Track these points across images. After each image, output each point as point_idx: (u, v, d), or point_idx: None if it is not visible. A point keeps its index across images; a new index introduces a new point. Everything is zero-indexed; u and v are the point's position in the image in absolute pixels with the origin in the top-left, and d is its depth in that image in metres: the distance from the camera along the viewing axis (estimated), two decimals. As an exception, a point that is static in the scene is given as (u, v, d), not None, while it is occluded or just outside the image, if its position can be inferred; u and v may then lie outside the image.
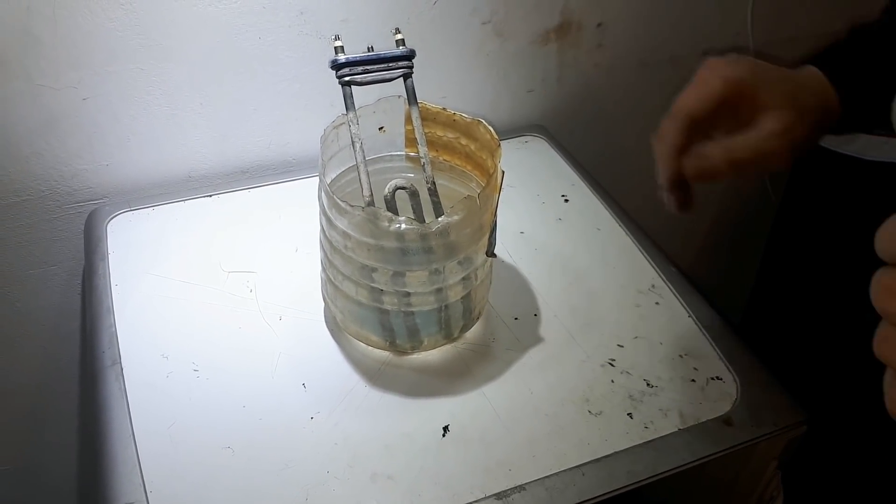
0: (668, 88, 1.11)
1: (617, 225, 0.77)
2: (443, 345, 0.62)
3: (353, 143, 0.59)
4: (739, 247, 1.32)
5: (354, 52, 0.60)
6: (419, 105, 0.62)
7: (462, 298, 0.59)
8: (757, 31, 1.00)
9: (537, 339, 0.64)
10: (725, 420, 0.58)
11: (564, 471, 0.53)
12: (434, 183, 0.62)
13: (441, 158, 0.66)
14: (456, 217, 0.53)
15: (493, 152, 0.59)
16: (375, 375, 0.60)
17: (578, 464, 0.54)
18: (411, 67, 0.61)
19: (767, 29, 1.01)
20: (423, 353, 0.62)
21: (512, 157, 0.86)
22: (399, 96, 0.63)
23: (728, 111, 0.51)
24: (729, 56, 0.52)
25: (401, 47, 0.61)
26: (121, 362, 0.60)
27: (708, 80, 0.51)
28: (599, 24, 0.92)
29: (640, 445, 0.55)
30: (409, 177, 0.65)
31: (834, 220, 1.01)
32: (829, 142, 0.99)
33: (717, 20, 0.99)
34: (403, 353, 0.62)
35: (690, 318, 0.66)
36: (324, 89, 0.82)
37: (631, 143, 1.08)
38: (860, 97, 0.52)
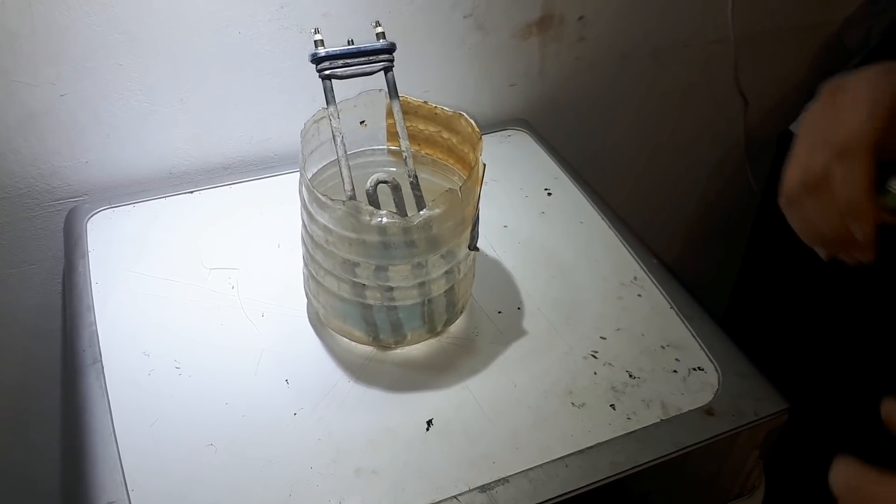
0: (650, 82, 1.12)
1: (599, 218, 0.77)
2: (426, 339, 0.62)
3: (333, 137, 0.59)
4: (723, 240, 1.33)
5: (335, 45, 0.59)
6: (400, 99, 0.62)
7: (445, 292, 0.59)
8: (738, 23, 1.00)
9: (521, 333, 0.64)
10: (707, 410, 0.58)
11: (548, 462, 0.54)
12: (416, 177, 0.62)
13: (423, 152, 0.66)
14: (438, 210, 0.53)
15: (475, 145, 0.59)
16: (359, 370, 0.60)
17: (562, 455, 0.54)
18: (392, 61, 0.61)
19: (748, 21, 1.02)
20: (406, 347, 0.62)
21: (495, 151, 0.86)
22: (380, 90, 0.63)
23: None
24: (859, 73, 0.46)
25: (381, 41, 0.61)
26: (101, 360, 0.59)
27: (876, 99, 0.43)
28: (581, 18, 0.92)
29: (622, 436, 0.56)
30: (390, 171, 0.65)
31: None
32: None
33: (699, 12, 0.99)
34: (387, 347, 0.62)
35: (672, 310, 0.66)
36: (305, 84, 0.81)
37: (614, 136, 1.09)
38: None
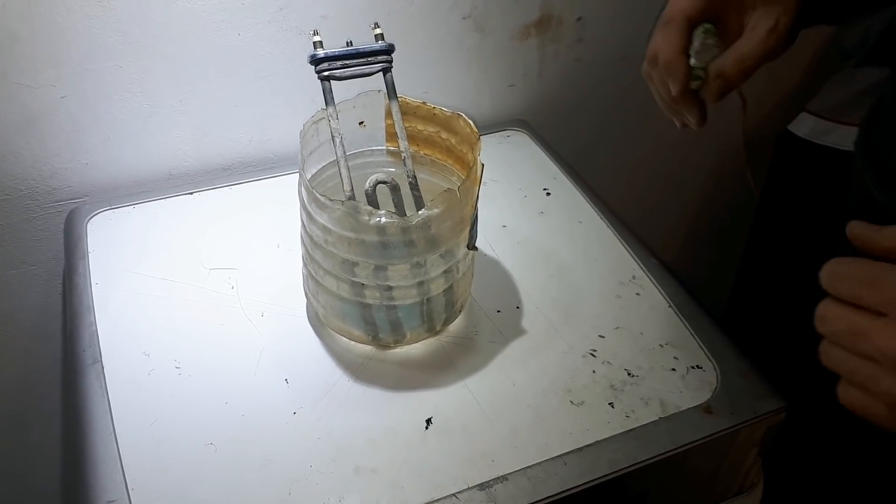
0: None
1: (598, 217, 0.77)
2: (426, 338, 0.62)
3: (332, 138, 0.59)
4: (722, 239, 1.33)
5: (334, 47, 0.60)
6: (399, 99, 0.62)
7: (444, 291, 0.59)
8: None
9: (520, 332, 0.64)
10: (706, 408, 0.58)
11: (547, 461, 0.54)
12: (415, 177, 0.62)
13: (422, 153, 0.66)
14: (436, 210, 0.53)
15: (473, 145, 0.59)
16: (358, 370, 0.60)
17: (560, 453, 0.54)
18: (390, 62, 0.61)
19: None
20: (405, 346, 0.62)
21: (494, 152, 0.86)
22: (379, 91, 0.63)
23: (713, 14, 0.52)
24: None
25: (380, 42, 0.61)
26: (102, 361, 0.59)
27: None
28: (579, 19, 0.92)
29: (621, 434, 0.56)
30: (389, 171, 0.65)
31: (814, 211, 1.02)
32: (809, 134, 1.00)
33: (696, 14, 1.00)
34: (386, 347, 0.62)
35: (671, 308, 0.67)
36: (305, 85, 0.82)
37: (612, 137, 1.09)
38: None
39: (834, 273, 0.38)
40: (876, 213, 0.55)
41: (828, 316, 0.38)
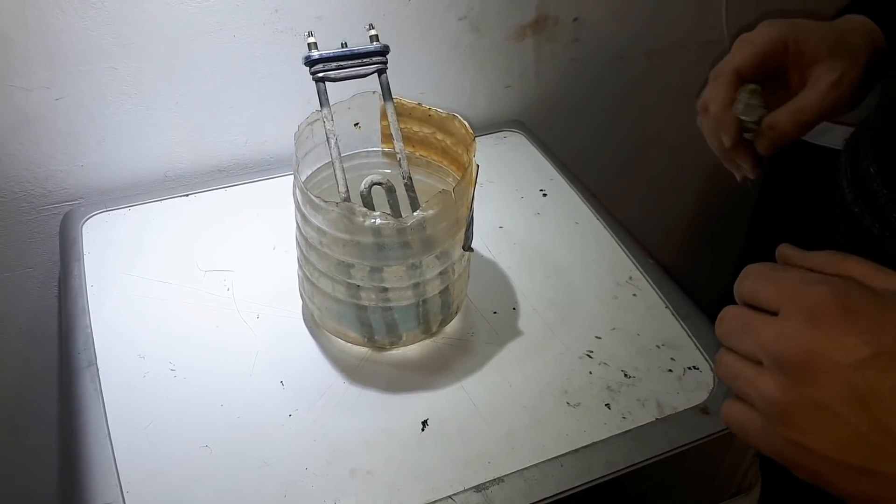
0: (645, 82, 1.12)
1: (595, 218, 0.77)
2: (421, 340, 0.62)
3: (328, 139, 0.59)
4: (719, 239, 1.33)
5: (329, 48, 0.60)
6: (394, 101, 0.62)
7: (440, 293, 0.59)
8: (732, 23, 1.00)
9: (516, 333, 0.64)
10: (703, 409, 0.58)
11: (543, 462, 0.54)
12: (410, 178, 0.62)
13: (417, 154, 0.66)
14: (431, 211, 0.53)
15: (468, 147, 0.59)
16: (354, 371, 0.60)
17: (557, 455, 0.54)
18: (385, 63, 0.61)
19: (743, 21, 1.02)
20: (401, 348, 0.62)
21: (490, 153, 0.86)
22: (374, 92, 0.63)
23: (772, 68, 0.52)
24: (764, 22, 0.53)
25: (374, 43, 0.61)
26: (97, 363, 0.59)
27: (751, 38, 0.52)
28: (576, 19, 0.92)
29: (618, 436, 0.56)
30: (385, 172, 0.65)
31: (812, 212, 1.02)
32: (807, 134, 1.00)
33: (693, 14, 1.00)
34: (382, 348, 0.62)
35: (667, 309, 0.67)
36: (300, 86, 0.81)
37: (609, 137, 1.09)
38: None
39: (742, 274, 0.37)
40: (856, 225, 0.54)
41: (725, 316, 0.37)
